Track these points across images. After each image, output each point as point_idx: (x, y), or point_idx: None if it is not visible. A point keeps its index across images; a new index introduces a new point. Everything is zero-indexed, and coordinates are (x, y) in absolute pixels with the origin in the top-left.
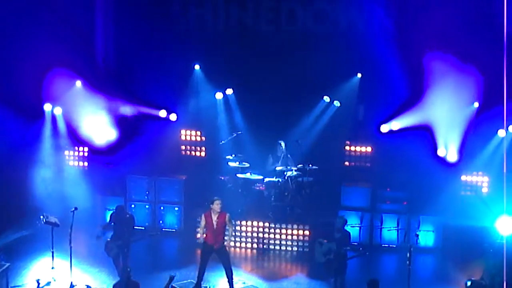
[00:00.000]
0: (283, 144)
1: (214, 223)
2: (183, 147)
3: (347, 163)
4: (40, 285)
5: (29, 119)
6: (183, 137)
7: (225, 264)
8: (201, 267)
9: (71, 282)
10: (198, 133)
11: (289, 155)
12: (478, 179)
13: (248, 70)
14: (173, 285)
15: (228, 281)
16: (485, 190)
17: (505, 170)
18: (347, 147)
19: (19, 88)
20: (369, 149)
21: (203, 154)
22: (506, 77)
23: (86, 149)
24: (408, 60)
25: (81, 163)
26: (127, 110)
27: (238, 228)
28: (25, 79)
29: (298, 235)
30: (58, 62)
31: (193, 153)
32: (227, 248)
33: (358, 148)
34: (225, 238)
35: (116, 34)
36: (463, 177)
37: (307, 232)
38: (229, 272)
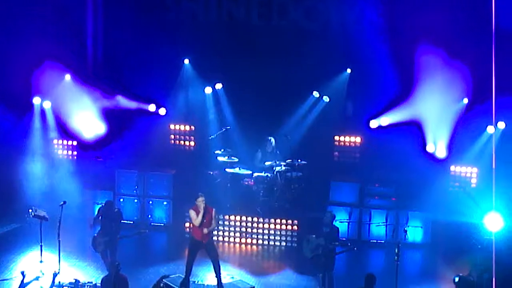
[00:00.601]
0: (273, 140)
1: (204, 219)
2: (172, 142)
3: (336, 157)
4: (26, 277)
5: (18, 112)
6: (172, 131)
7: (213, 258)
8: (188, 262)
9: (54, 272)
10: (187, 127)
11: (278, 151)
12: (467, 171)
13: (237, 64)
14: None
15: (216, 276)
16: (474, 182)
17: (494, 166)
18: (336, 142)
19: (8, 81)
20: (358, 143)
21: (192, 148)
22: (495, 73)
23: (75, 143)
24: (398, 56)
25: (70, 157)
26: (116, 104)
27: (226, 222)
28: (14, 72)
29: (286, 230)
30: (48, 56)
31: (182, 147)
32: (215, 243)
33: (347, 143)
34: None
35: (106, 28)
36: (452, 170)
37: (295, 227)
38: (216, 266)
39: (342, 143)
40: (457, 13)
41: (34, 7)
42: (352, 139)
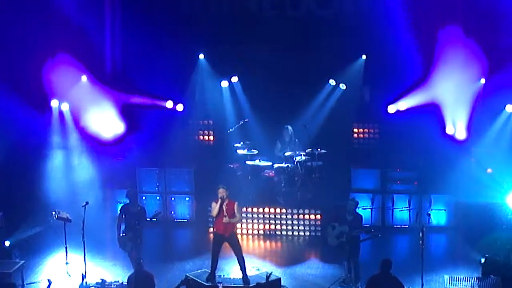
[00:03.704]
0: (290, 128)
1: (224, 211)
2: (191, 137)
3: (355, 145)
4: (51, 283)
5: (37, 113)
6: (190, 127)
7: (237, 252)
8: (213, 257)
9: (82, 274)
10: (206, 122)
11: (296, 140)
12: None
13: (252, 57)
14: (187, 274)
15: (241, 269)
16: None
17: None
18: (355, 129)
19: (24, 80)
20: (376, 130)
21: (211, 143)
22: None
23: (94, 143)
24: (413, 39)
25: (90, 157)
26: (133, 102)
27: (249, 215)
28: (31, 73)
29: (309, 219)
30: (63, 57)
31: (201, 142)
32: (238, 236)
33: (366, 130)
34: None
35: (121, 28)
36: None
37: (318, 216)
38: (240, 259)
39: (361, 134)
40: None
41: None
42: (371, 130)
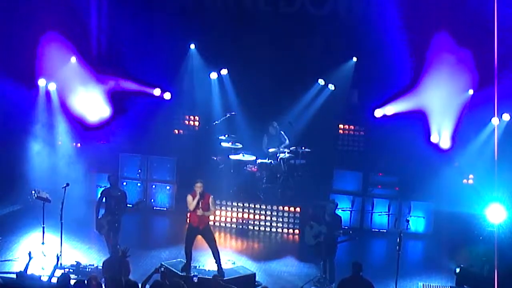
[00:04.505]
0: (276, 124)
1: (199, 204)
2: (176, 126)
3: (340, 146)
4: (32, 258)
5: (23, 91)
6: (176, 116)
7: (211, 245)
8: (187, 248)
9: (58, 255)
10: (192, 112)
11: (282, 132)
12: None
13: (243, 51)
14: (163, 263)
15: (216, 261)
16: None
17: (496, 158)
18: (340, 131)
19: (14, 59)
20: (362, 133)
21: (196, 133)
22: (498, 66)
23: (79, 125)
24: (405, 45)
25: (74, 140)
26: (121, 87)
27: (229, 208)
28: (20, 50)
29: (288, 217)
30: (54, 37)
31: (186, 132)
32: (211, 229)
33: (351, 132)
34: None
35: (111, 11)
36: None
37: (297, 215)
38: (215, 252)
39: (346, 136)
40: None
41: None
42: (356, 133)
